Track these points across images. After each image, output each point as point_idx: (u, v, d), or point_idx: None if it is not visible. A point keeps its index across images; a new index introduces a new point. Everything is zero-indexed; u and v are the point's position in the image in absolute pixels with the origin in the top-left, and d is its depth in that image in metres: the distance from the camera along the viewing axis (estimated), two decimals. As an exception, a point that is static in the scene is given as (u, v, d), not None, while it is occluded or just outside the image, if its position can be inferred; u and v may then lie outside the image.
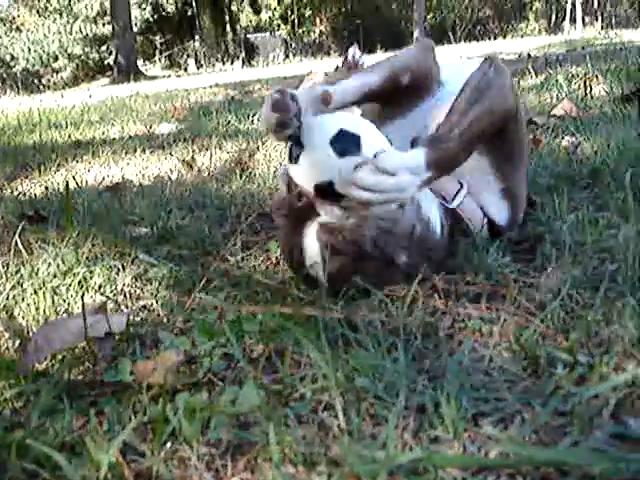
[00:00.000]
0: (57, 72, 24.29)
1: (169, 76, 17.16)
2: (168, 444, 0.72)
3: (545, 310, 0.92)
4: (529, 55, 6.92)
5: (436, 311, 1.00)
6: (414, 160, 1.04)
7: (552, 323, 0.90)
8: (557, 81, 3.73)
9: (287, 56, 22.20)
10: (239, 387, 0.80)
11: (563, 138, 2.18)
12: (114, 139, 3.53)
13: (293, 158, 1.06)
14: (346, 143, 1.01)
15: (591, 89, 3.27)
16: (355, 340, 0.90)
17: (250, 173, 2.19)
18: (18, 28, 24.85)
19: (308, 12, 27.66)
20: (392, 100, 1.28)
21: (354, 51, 1.78)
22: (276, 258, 1.34)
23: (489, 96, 1.16)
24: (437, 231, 1.13)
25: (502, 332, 0.90)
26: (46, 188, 2.22)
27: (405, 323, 0.93)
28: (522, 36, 21.46)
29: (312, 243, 1.07)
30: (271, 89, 1.08)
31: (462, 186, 1.23)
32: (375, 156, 1.00)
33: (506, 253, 1.17)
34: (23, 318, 1.11)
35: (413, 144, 1.08)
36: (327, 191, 1.02)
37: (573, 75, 3.92)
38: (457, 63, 1.30)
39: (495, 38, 19.29)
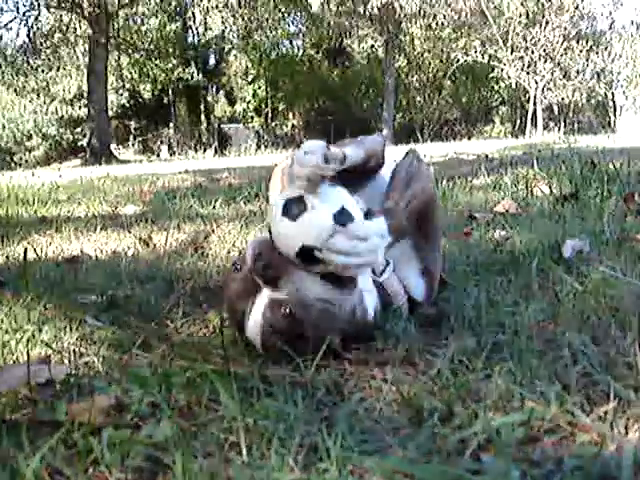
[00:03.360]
0: (30, 151, 24.63)
1: (141, 161, 17.44)
2: (90, 470, 0.83)
3: (433, 370, 1.06)
4: (486, 156, 7.26)
5: (344, 373, 1.13)
6: (380, 226, 1.20)
7: (440, 381, 1.03)
8: (504, 181, 3.98)
9: (259, 147, 22.71)
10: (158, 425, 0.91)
11: (495, 231, 2.36)
12: (79, 217, 3.65)
13: (291, 214, 1.14)
14: (344, 221, 1.13)
15: (532, 189, 3.50)
16: (265, 391, 1.02)
17: (203, 253, 2.32)
18: (-5, 105, 25.27)
19: (282, 106, 28.53)
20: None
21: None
22: (214, 327, 1.45)
23: (418, 179, 1.39)
24: (371, 314, 1.27)
25: (394, 390, 1.02)
26: (7, 257, 2.33)
27: (312, 380, 1.06)
28: (486, 138, 22.30)
29: (257, 316, 1.18)
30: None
31: (389, 263, 1.38)
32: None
33: (415, 325, 1.30)
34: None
35: (367, 215, 1.21)
36: (310, 255, 1.13)
37: (522, 176, 4.15)
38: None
39: (461, 139, 19.99)
